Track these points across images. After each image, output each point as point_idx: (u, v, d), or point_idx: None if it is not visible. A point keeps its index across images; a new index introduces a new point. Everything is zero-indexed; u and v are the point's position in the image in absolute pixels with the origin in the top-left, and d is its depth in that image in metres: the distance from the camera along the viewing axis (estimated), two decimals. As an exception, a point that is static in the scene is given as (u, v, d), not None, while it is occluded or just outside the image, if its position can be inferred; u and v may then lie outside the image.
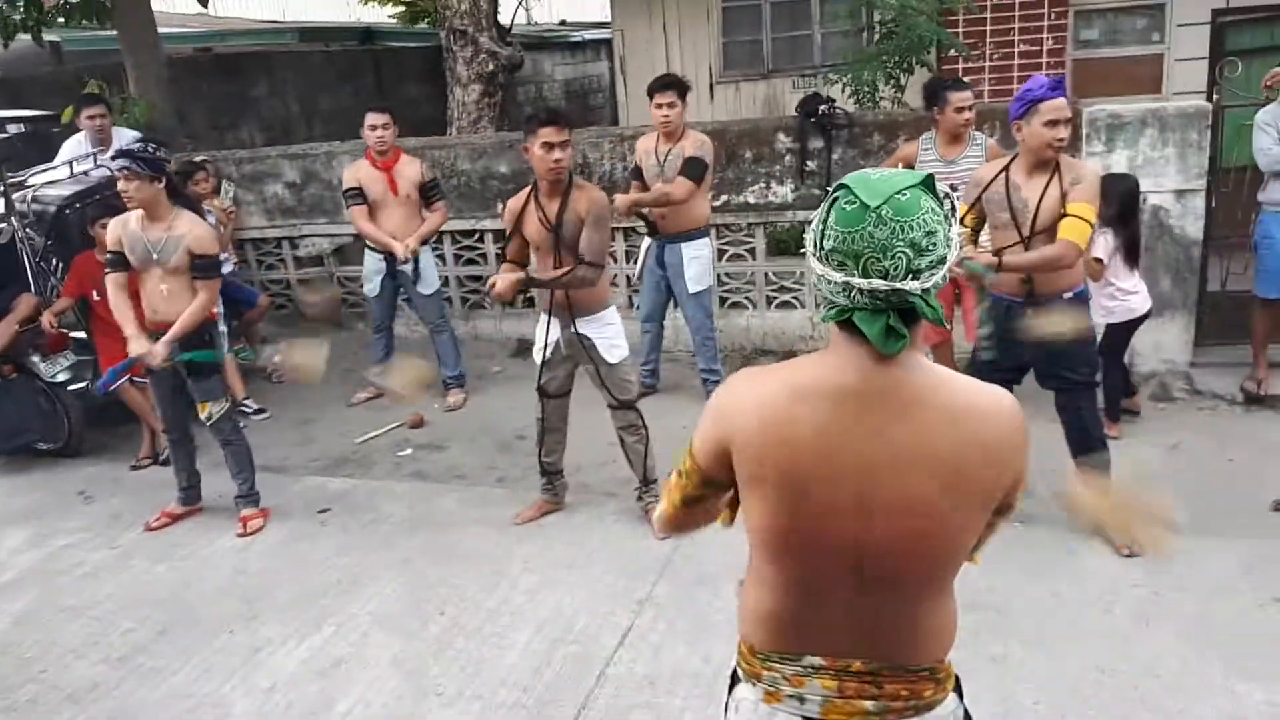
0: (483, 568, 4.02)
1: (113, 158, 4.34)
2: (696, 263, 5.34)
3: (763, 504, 1.47)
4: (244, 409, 5.95)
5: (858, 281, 1.32)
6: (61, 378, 5.57)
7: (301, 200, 6.99)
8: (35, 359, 5.55)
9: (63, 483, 5.32)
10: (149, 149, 4.26)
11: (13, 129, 7.26)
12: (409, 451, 5.43)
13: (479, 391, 6.18)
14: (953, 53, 7.19)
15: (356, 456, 5.43)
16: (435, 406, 5.92)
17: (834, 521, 1.42)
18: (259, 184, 7.01)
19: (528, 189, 4.07)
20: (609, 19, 10.89)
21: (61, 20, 8.19)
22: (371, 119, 5.60)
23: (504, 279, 3.92)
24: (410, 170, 5.73)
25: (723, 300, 6.31)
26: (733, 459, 1.50)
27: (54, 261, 5.71)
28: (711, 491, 1.61)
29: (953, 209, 1.39)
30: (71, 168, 6.03)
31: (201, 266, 4.34)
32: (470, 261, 6.86)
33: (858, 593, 1.47)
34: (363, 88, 10.82)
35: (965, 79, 5.47)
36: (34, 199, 5.82)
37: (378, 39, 13.30)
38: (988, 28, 8.27)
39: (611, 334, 4.14)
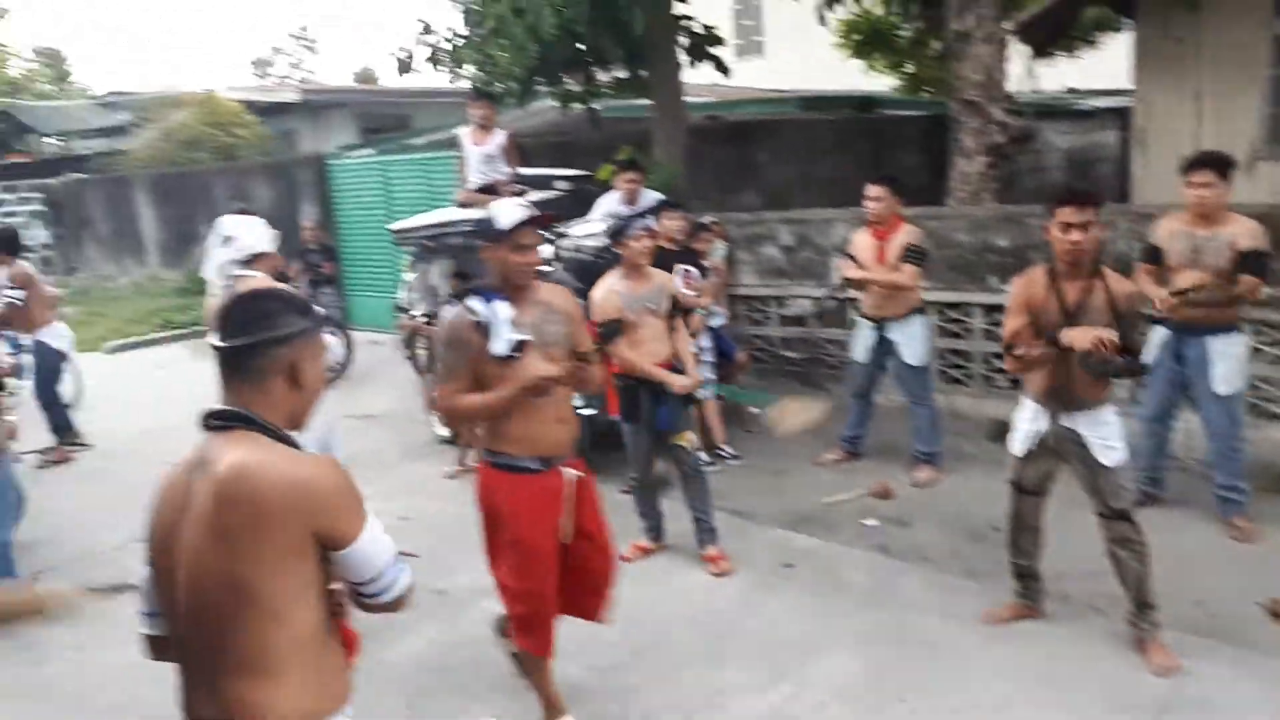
0: (947, 661, 3.83)
1: (627, 221, 4.89)
2: (1227, 360, 4.69)
3: None
4: (721, 453, 6.31)
5: None
6: (578, 403, 6.31)
7: (793, 262, 7.30)
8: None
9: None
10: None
11: (560, 185, 8.40)
12: (874, 522, 5.37)
13: (950, 471, 5.96)
14: None
15: (821, 517, 5.48)
16: (902, 480, 5.81)
17: None
18: (756, 245, 7.44)
19: (1042, 268, 3.85)
20: (1123, 86, 10.07)
21: (608, 93, 9.39)
22: (867, 189, 5.72)
23: (1032, 350, 3.70)
24: (901, 239, 5.74)
25: (1252, 407, 5.47)
26: None
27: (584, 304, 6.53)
28: None
29: None
30: (606, 222, 6.85)
31: (677, 307, 4.88)
32: (954, 335, 6.67)
33: None
34: (860, 155, 11.06)
35: None
36: (575, 248, 6.71)
37: (876, 107, 13.57)
38: None
39: (1107, 433, 3.76)
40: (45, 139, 28.02)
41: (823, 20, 8.79)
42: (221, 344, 1.85)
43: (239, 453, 1.78)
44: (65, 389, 7.82)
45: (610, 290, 4.76)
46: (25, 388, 7.23)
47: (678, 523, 5.16)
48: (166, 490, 1.85)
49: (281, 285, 5.59)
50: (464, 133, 7.39)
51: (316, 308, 1.99)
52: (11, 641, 4.50)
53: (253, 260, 4.54)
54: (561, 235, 6.84)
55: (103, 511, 5.98)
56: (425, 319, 6.47)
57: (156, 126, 19.20)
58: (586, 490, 3.49)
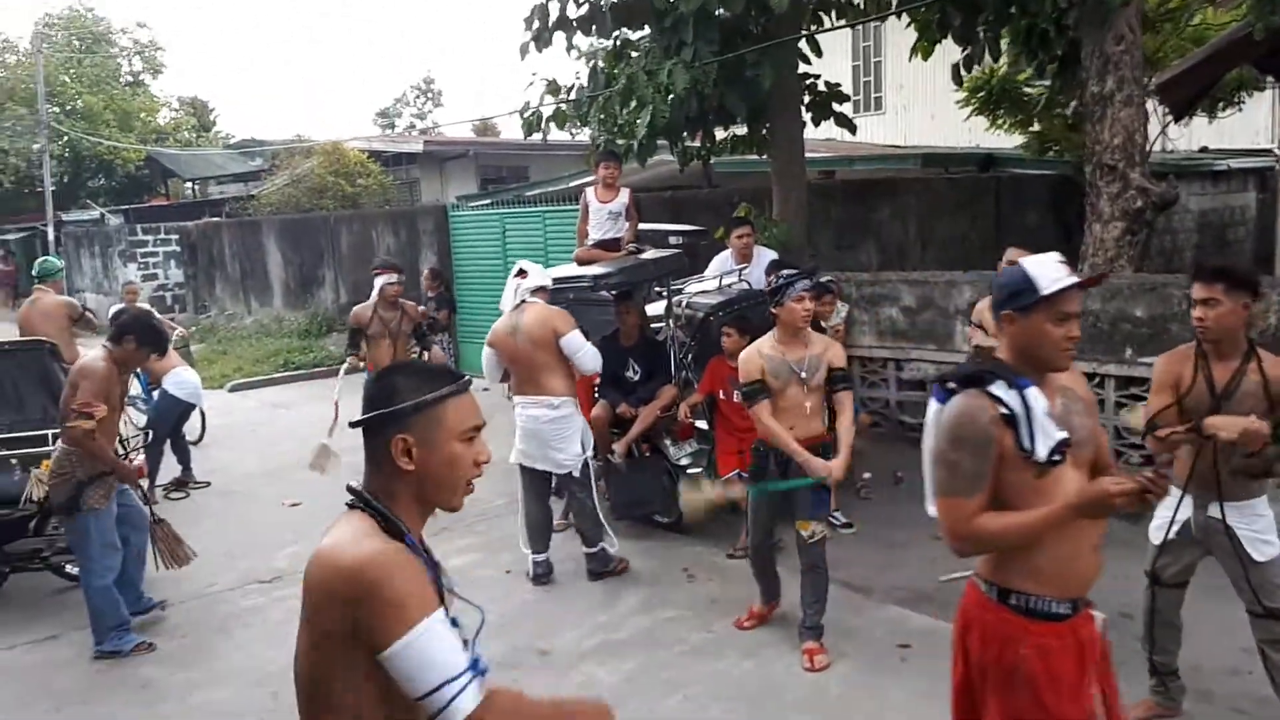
0: (1084, 763, 3.53)
1: (789, 281, 4.47)
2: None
3: None
4: (832, 520, 6.09)
5: None
6: (684, 461, 6.21)
7: (914, 324, 7.09)
8: (667, 442, 6.27)
9: (671, 557, 5.89)
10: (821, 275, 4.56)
11: (673, 240, 8.38)
12: (997, 602, 5.07)
13: (1080, 552, 5.60)
14: None
15: (940, 595, 5.20)
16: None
17: None
18: (875, 306, 7.27)
19: (1191, 346, 3.59)
20: (1263, 145, 9.57)
21: (726, 149, 9.38)
22: (1011, 254, 5.48)
23: (1175, 434, 3.41)
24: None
25: None
26: None
27: (690, 360, 6.47)
28: None
29: None
30: (720, 280, 6.79)
31: (839, 379, 4.54)
32: (1085, 407, 6.34)
33: None
34: (981, 215, 10.79)
35: None
36: (687, 305, 6.66)
37: (999, 166, 13.24)
38: None
39: (1262, 526, 3.46)
40: (185, 183, 29.70)
41: (958, 80, 8.62)
42: (350, 424, 1.82)
43: (334, 533, 1.73)
44: (190, 426, 8.11)
45: (757, 351, 4.53)
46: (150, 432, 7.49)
47: (789, 592, 4.97)
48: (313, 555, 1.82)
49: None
50: (589, 190, 7.46)
51: (448, 375, 1.91)
52: (128, 682, 4.60)
53: (536, 291, 5.53)
54: (676, 292, 6.80)
55: (219, 552, 6.12)
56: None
57: (286, 173, 20.13)
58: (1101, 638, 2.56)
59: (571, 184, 13.35)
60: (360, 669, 1.65)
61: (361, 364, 7.32)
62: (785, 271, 4.58)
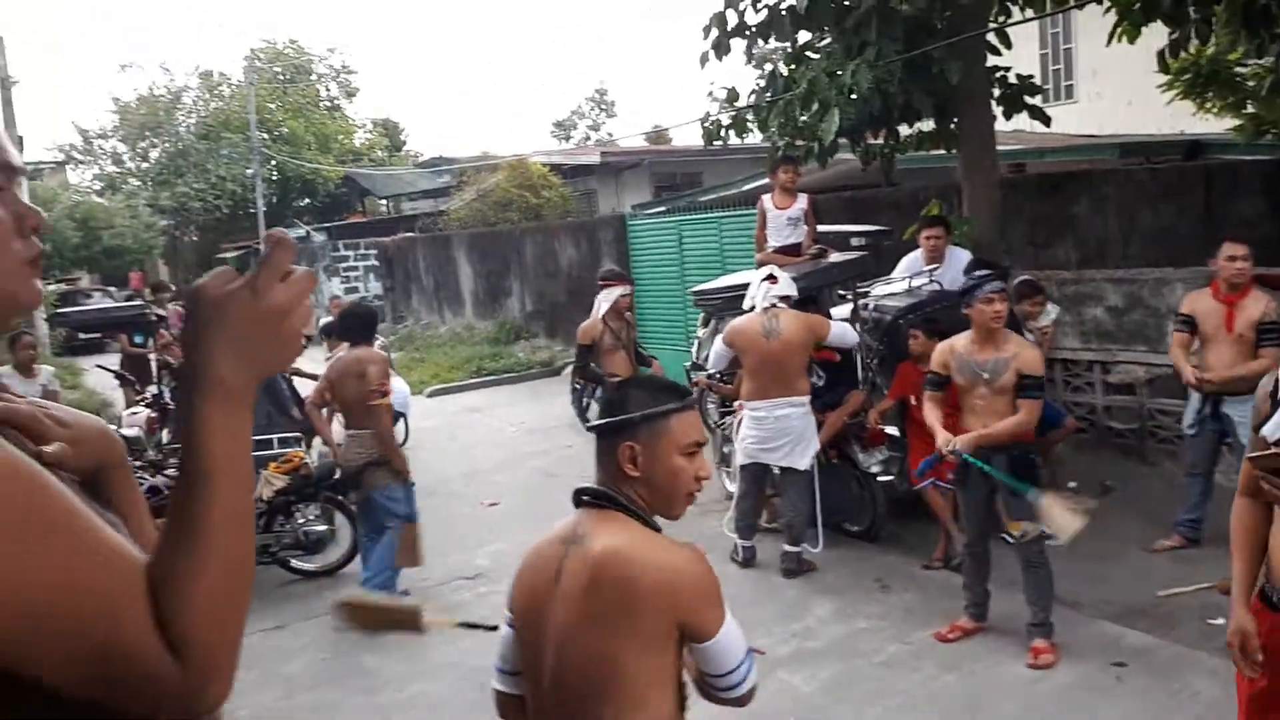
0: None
1: (977, 282, 4.42)
2: None
3: None
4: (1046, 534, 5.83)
5: None
6: (875, 469, 6.11)
7: (1121, 325, 6.70)
8: (856, 449, 6.18)
9: (863, 566, 5.80)
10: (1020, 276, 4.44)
11: (855, 242, 8.23)
12: (1222, 621, 4.73)
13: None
14: None
15: (1156, 611, 4.91)
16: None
17: None
18: (1078, 305, 6.92)
19: None
20: None
21: (909, 147, 9.14)
22: (1229, 249, 5.12)
23: None
24: (1254, 308, 5.11)
25: None
26: None
27: (877, 364, 6.35)
28: None
29: None
30: (910, 282, 6.62)
31: (1027, 386, 4.38)
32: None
33: None
34: (1188, 206, 10.03)
35: None
36: (875, 308, 6.54)
37: (1207, 153, 12.31)
38: None
39: None
40: (380, 201, 31.54)
41: (1165, 65, 8.09)
42: (586, 427, 1.97)
43: (611, 535, 1.83)
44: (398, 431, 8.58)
45: (948, 347, 4.60)
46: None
47: (998, 603, 4.82)
48: (536, 559, 1.93)
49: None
50: (766, 197, 7.45)
51: (683, 389, 2.01)
52: (352, 670, 4.95)
53: (784, 299, 5.76)
54: (862, 295, 6.69)
55: (426, 549, 6.46)
56: (720, 377, 6.53)
57: (473, 188, 21.05)
58: None
59: (745, 188, 13.35)
60: (665, 663, 1.79)
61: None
62: (978, 272, 4.49)
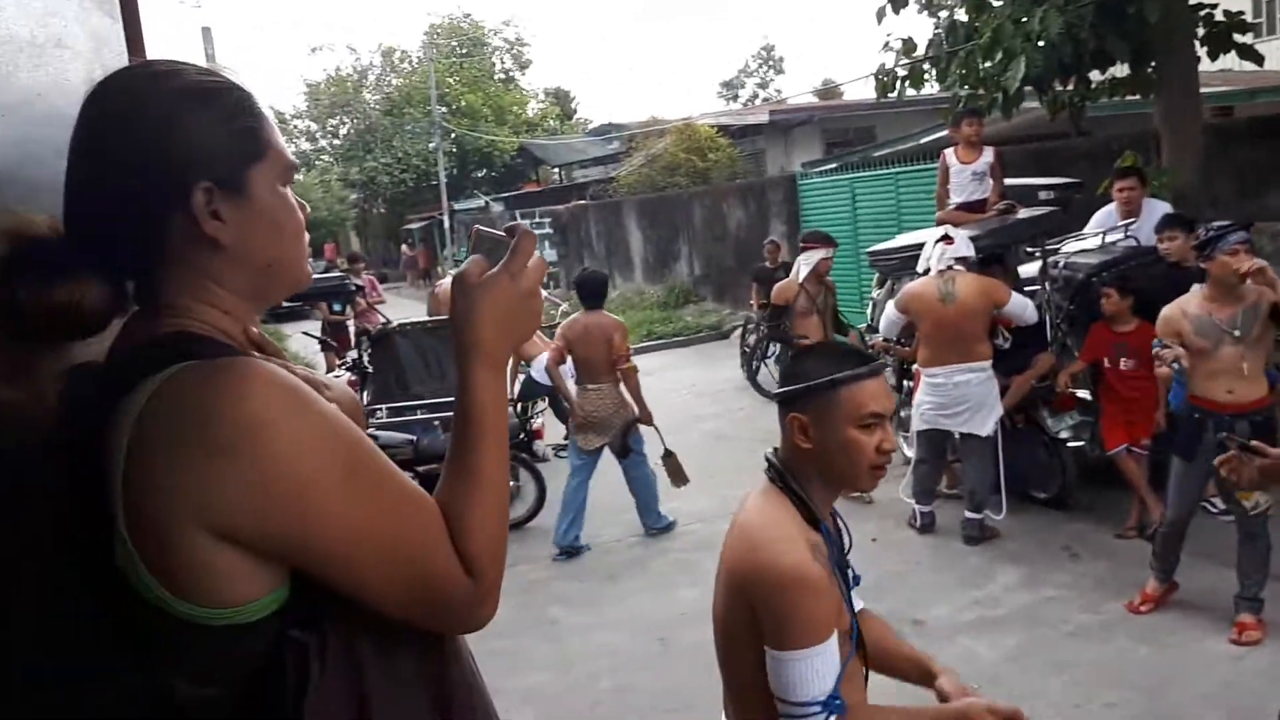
0: None
1: (1219, 234, 4.12)
2: None
3: None
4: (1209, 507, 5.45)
5: None
6: (1064, 434, 5.87)
7: (1344, 280, 6.12)
8: (1044, 413, 5.95)
9: (1051, 534, 5.61)
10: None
11: (1043, 196, 7.84)
12: None
13: None
14: None
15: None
16: None
17: None
18: (1292, 259, 6.36)
19: None
20: None
21: (1102, 94, 8.61)
22: None
23: None
24: None
25: None
26: None
27: (1068, 325, 6.06)
28: None
29: None
30: (1103, 238, 6.28)
31: None
32: None
33: None
34: None
35: None
36: (1065, 266, 6.23)
37: None
38: None
39: None
40: (553, 169, 32.32)
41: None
42: (771, 395, 1.97)
43: (755, 511, 1.83)
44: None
45: (1178, 310, 4.29)
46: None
47: (1189, 578, 4.58)
48: (734, 520, 1.96)
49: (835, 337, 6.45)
50: (948, 151, 7.17)
51: (865, 356, 1.94)
52: (539, 620, 5.21)
53: (961, 261, 5.63)
54: (1051, 252, 6.39)
55: (605, 507, 6.68)
56: (898, 340, 6.40)
57: (642, 154, 21.25)
58: None
59: (923, 140, 12.90)
60: (756, 651, 1.76)
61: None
62: (1218, 224, 4.20)
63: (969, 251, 5.69)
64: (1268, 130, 9.62)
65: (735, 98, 42.38)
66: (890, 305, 5.98)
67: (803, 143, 19.37)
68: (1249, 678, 3.92)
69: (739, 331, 12.15)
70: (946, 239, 5.70)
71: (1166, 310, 4.36)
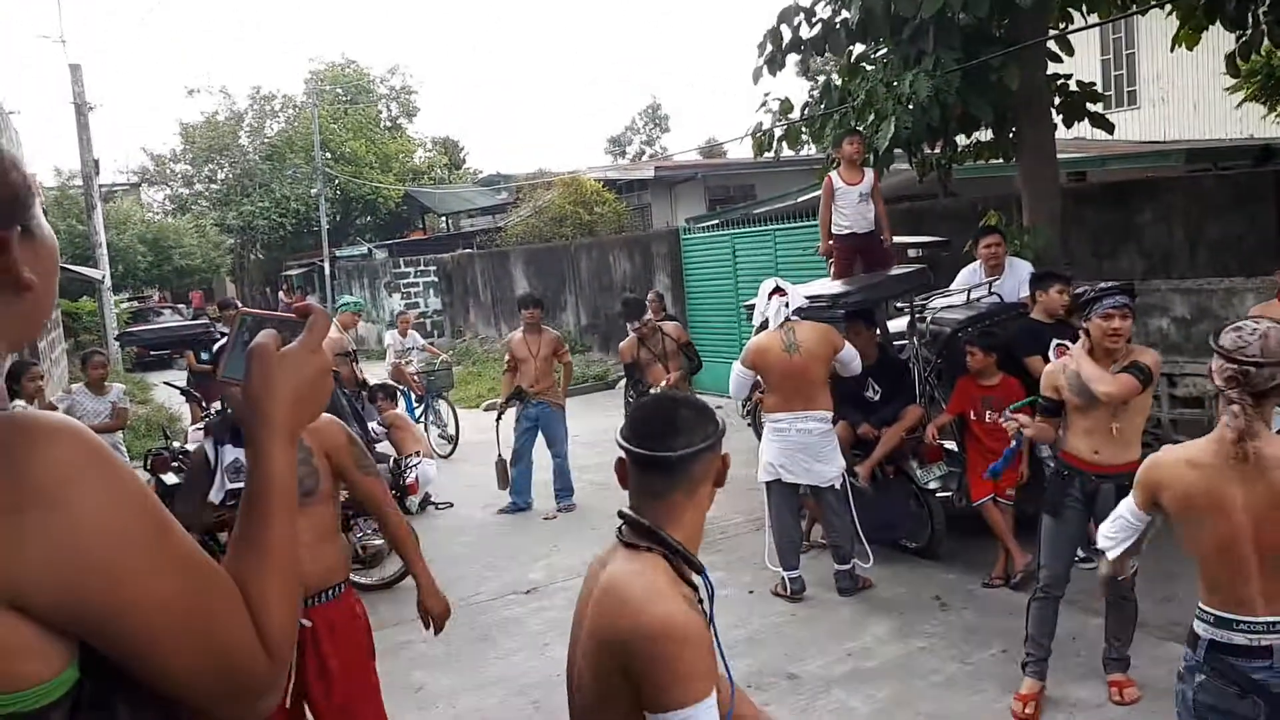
0: None
1: (1098, 296, 4.10)
2: None
3: None
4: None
5: None
6: (933, 485, 5.99)
7: (1188, 337, 6.51)
8: (913, 464, 6.07)
9: (922, 584, 5.69)
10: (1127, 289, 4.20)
11: (913, 253, 8.11)
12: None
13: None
14: None
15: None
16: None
17: None
18: (1143, 316, 6.73)
19: None
20: None
21: (967, 157, 9.02)
22: (1303, 256, 4.95)
23: None
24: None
25: None
26: None
27: (935, 378, 6.23)
28: None
29: None
30: (969, 295, 6.50)
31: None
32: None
33: None
34: (1259, 214, 9.73)
35: None
36: (933, 321, 6.42)
37: (1279, 158, 11.94)
38: None
39: None
40: (440, 218, 32.00)
41: (1234, 70, 7.88)
42: (638, 450, 1.82)
43: (618, 562, 1.76)
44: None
45: (1060, 367, 4.25)
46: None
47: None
48: (587, 578, 1.87)
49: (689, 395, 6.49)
50: (833, 174, 7.22)
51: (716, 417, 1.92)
52: (400, 685, 4.97)
53: (798, 312, 5.69)
54: (919, 308, 6.58)
55: (480, 564, 6.50)
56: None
57: (529, 205, 21.24)
58: None
59: (799, 199, 13.26)
60: (630, 706, 1.67)
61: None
62: (1101, 285, 4.24)
63: (802, 301, 5.80)
64: (1119, 195, 10.24)
65: (623, 153, 42.96)
66: (737, 365, 5.81)
67: (687, 198, 19.71)
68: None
69: (624, 382, 12.13)
70: (779, 290, 5.75)
71: (1048, 368, 4.37)
